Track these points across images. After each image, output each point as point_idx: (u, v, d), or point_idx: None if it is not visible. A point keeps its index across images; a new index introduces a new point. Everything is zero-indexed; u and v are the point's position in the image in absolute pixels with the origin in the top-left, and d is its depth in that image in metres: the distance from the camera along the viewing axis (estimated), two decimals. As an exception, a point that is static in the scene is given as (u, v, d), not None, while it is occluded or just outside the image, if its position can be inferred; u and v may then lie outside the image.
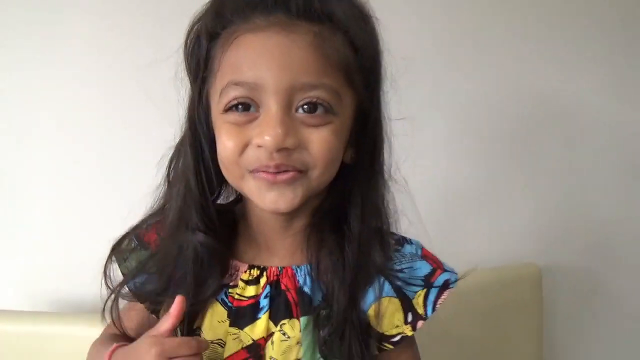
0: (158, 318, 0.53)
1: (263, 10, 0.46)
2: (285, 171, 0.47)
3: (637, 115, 1.12)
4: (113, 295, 0.54)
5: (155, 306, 0.54)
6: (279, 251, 0.55)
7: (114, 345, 0.52)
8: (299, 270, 0.54)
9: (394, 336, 0.54)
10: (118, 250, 0.56)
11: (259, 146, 0.46)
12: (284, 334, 0.52)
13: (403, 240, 0.56)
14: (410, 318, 0.53)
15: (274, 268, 0.54)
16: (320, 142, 0.47)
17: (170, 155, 0.56)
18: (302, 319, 0.52)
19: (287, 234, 0.54)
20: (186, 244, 0.52)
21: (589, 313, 1.19)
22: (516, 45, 1.06)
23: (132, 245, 0.57)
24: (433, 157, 0.98)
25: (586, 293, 1.18)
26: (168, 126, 0.55)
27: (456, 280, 0.54)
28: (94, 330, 0.63)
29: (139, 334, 0.52)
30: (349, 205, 0.53)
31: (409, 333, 0.53)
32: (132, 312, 0.58)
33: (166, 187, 0.56)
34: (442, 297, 0.53)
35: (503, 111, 1.06)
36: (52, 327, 0.91)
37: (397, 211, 0.55)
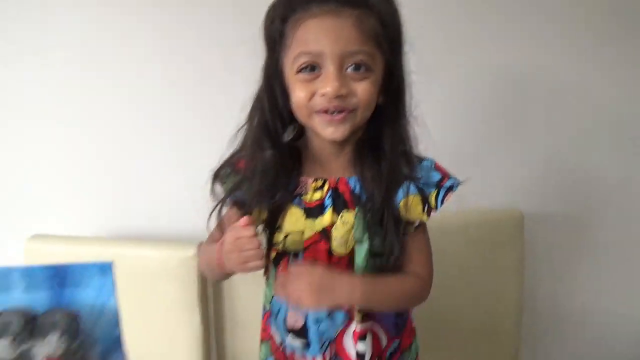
0: None
1: (319, 1, 0.68)
2: (340, 112, 0.70)
3: (612, 77, 1.32)
4: (217, 207, 0.77)
5: (246, 212, 0.75)
6: (334, 168, 0.78)
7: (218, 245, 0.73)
8: (350, 179, 0.76)
9: (414, 222, 0.76)
10: (218, 176, 0.78)
11: (323, 95, 0.68)
12: (343, 221, 0.75)
13: (422, 158, 0.78)
14: (426, 209, 0.76)
15: (332, 179, 0.76)
16: (363, 90, 0.69)
17: (251, 104, 0.77)
18: (356, 209, 0.74)
19: (340, 155, 0.77)
20: (265, 163, 0.74)
21: (568, 254, 1.42)
22: (511, 26, 1.27)
23: (228, 172, 0.78)
24: (441, 107, 1.18)
25: (565, 236, 1.40)
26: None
27: (458, 186, 0.77)
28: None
29: None
30: (381, 135, 0.75)
31: (425, 219, 0.77)
32: (231, 219, 0.77)
33: (248, 126, 0.77)
34: (448, 196, 0.76)
35: (496, 80, 1.28)
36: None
37: (417, 138, 0.77)
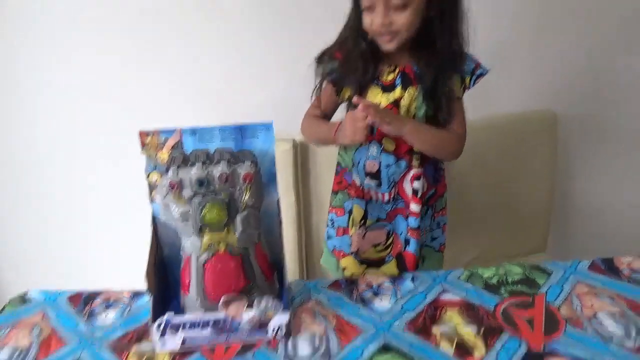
0: (338, 96, 1.11)
1: None
2: (387, 35, 0.98)
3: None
4: (318, 81, 1.10)
5: (340, 87, 1.09)
6: (402, 58, 1.06)
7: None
8: (414, 65, 1.06)
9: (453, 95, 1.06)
10: (321, 61, 1.09)
11: (373, 26, 0.98)
12: (409, 93, 1.05)
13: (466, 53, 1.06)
14: (462, 87, 1.07)
15: (399, 66, 1.06)
16: (402, 20, 0.96)
17: (344, 25, 1.07)
18: (419, 85, 1.05)
19: (402, 53, 1.06)
20: (358, 54, 1.04)
21: (596, 148, 1.67)
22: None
23: (327, 59, 1.09)
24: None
25: (595, 135, 1.65)
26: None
27: (487, 72, 1.07)
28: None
29: (327, 108, 1.11)
30: (437, 35, 1.01)
31: (460, 95, 1.08)
32: (326, 92, 1.12)
33: (344, 30, 1.07)
34: (478, 80, 1.07)
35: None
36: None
37: (467, 37, 1.03)
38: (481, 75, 1.06)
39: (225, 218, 0.81)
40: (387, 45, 1.01)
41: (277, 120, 0.87)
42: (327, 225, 1.25)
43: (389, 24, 0.96)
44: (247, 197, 0.82)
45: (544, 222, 1.69)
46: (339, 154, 1.21)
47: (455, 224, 1.31)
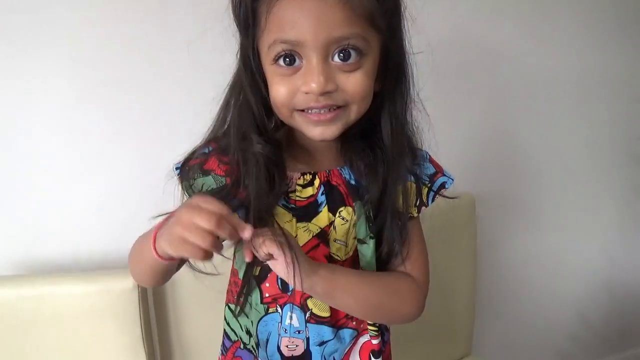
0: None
1: None
2: (330, 110, 0.57)
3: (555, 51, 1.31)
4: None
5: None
6: (323, 159, 0.66)
7: (158, 224, 0.57)
8: (342, 170, 0.65)
9: (408, 214, 0.66)
10: (185, 172, 0.63)
11: (306, 93, 0.55)
12: (342, 219, 0.64)
13: (417, 149, 0.68)
14: (418, 203, 0.67)
15: (322, 171, 0.64)
16: (355, 84, 0.56)
17: (225, 95, 0.63)
18: (355, 204, 0.63)
19: (329, 146, 0.65)
20: (250, 158, 0.60)
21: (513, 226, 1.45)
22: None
23: (195, 173, 0.62)
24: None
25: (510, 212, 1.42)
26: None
27: (451, 184, 0.69)
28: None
29: None
30: (379, 123, 0.63)
31: (415, 214, 0.67)
32: None
33: (222, 116, 0.63)
34: (440, 192, 0.68)
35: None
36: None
37: (418, 125, 0.67)
38: (442, 186, 0.68)
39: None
40: (326, 129, 0.59)
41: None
42: None
43: (335, 89, 0.56)
44: None
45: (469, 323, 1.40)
46: (224, 319, 0.72)
47: None
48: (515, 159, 1.34)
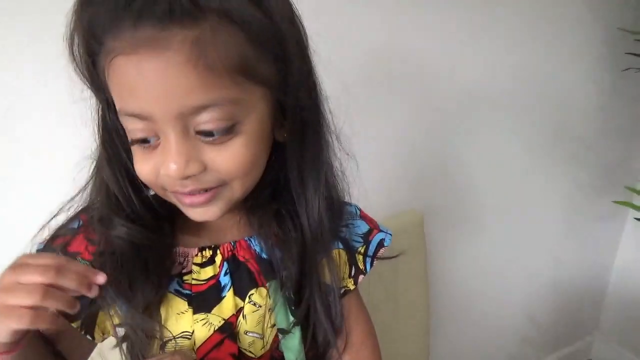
0: (93, 338, 0.49)
1: (129, 23, 0.38)
2: (205, 191, 0.45)
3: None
4: None
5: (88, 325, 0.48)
6: (225, 229, 0.53)
7: None
8: (252, 240, 0.53)
9: (340, 289, 0.55)
10: None
11: (168, 175, 0.43)
12: (254, 304, 0.51)
13: (343, 203, 0.57)
14: (353, 272, 0.56)
15: (226, 244, 0.52)
16: (228, 161, 0.44)
17: (92, 163, 0.50)
18: (269, 284, 0.51)
19: (231, 214, 0.52)
20: (118, 241, 0.47)
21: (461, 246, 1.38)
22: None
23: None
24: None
25: (455, 224, 1.35)
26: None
27: (390, 241, 0.58)
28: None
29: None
30: (287, 179, 0.51)
31: (352, 287, 0.56)
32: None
33: (87, 191, 0.50)
34: (379, 253, 0.57)
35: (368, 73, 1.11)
36: None
37: (341, 176, 0.55)
38: (381, 245, 0.57)
39: None
40: (205, 212, 0.47)
41: None
42: None
43: (200, 170, 0.43)
44: None
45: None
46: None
47: None
48: (456, 171, 1.27)
